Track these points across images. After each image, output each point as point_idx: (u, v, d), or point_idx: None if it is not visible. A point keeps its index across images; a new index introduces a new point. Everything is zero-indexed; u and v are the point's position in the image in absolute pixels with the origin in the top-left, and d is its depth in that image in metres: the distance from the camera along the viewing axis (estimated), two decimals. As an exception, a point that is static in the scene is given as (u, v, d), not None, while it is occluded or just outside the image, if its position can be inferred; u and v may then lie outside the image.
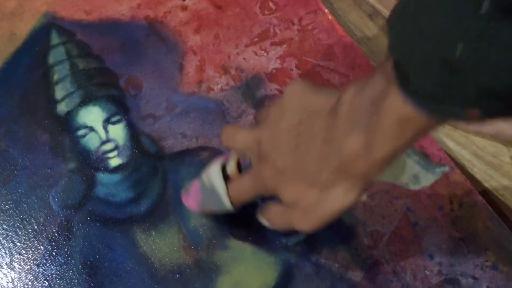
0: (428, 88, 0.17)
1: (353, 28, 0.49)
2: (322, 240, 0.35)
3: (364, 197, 0.26)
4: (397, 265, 0.35)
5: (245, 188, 0.29)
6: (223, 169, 0.30)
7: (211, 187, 0.30)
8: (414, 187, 0.27)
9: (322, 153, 0.24)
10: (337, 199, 0.24)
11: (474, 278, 0.35)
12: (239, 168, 0.31)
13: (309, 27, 0.44)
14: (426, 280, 0.35)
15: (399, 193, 0.38)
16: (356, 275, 0.34)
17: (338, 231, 0.36)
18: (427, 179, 0.26)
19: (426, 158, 0.26)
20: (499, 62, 0.15)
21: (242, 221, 0.36)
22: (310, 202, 0.25)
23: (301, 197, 0.26)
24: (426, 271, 0.35)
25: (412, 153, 0.26)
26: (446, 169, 0.26)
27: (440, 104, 0.17)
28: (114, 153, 0.37)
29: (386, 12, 0.49)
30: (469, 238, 0.36)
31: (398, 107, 0.19)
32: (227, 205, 0.30)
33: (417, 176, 0.26)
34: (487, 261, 0.35)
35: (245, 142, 0.29)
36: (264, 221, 0.30)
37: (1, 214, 0.34)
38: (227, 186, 0.30)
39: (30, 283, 0.32)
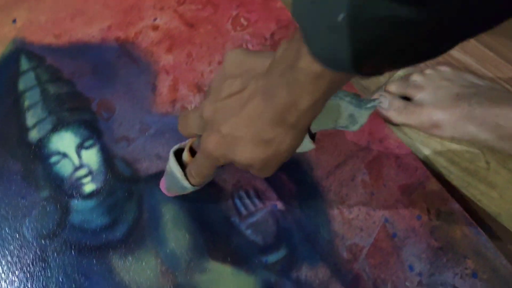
0: (324, 48, 0.20)
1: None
2: (301, 256, 0.35)
3: (312, 146, 0.29)
4: (377, 278, 0.35)
5: (200, 165, 0.30)
6: (181, 158, 0.32)
7: (171, 173, 0.32)
8: (353, 127, 0.29)
9: (260, 110, 0.26)
10: (286, 145, 0.26)
11: (454, 287, 0.35)
12: (193, 154, 0.32)
13: (281, 41, 0.44)
14: (407, 291, 0.35)
15: (377, 205, 0.38)
16: (337, 290, 0.34)
17: (317, 246, 0.36)
18: (362, 115, 0.29)
19: (357, 98, 0.28)
20: (374, 23, 0.18)
21: (220, 242, 0.35)
22: (263, 159, 0.27)
23: (254, 157, 0.27)
24: (406, 283, 0.35)
25: (344, 96, 0.28)
26: (376, 102, 0.28)
27: (336, 62, 0.20)
28: (88, 178, 0.36)
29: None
30: (448, 246, 0.36)
31: (309, 65, 0.22)
32: (187, 185, 0.32)
33: (352, 115, 0.29)
34: (466, 269, 0.35)
35: (196, 122, 0.30)
36: None
37: (-27, 248, 0.33)
38: (184, 170, 0.31)
39: (4, 318, 0.32)
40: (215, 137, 0.27)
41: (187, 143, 0.32)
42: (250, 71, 0.27)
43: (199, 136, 0.30)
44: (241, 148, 0.27)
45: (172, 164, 0.32)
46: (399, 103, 0.43)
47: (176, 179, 0.32)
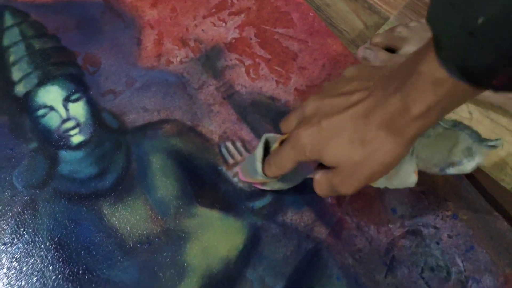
0: (455, 53, 0.19)
1: (312, -4, 0.49)
2: (287, 202, 0.36)
3: (414, 178, 0.28)
4: (360, 220, 0.36)
5: (282, 155, 0.29)
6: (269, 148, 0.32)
7: (253, 154, 0.32)
8: (468, 165, 0.28)
9: (368, 111, 0.25)
10: (385, 152, 0.25)
11: (435, 227, 0.36)
12: None
13: (267, -4, 0.44)
14: (390, 232, 0.36)
15: (361, 152, 0.38)
16: (322, 233, 0.35)
17: (302, 192, 0.36)
18: (481, 152, 0.27)
19: (477, 133, 0.27)
20: None
21: (207, 189, 0.36)
22: (354, 162, 0.26)
23: (344, 156, 0.26)
24: (389, 225, 0.36)
25: (464, 128, 0.27)
26: (499, 142, 0.27)
27: (467, 69, 0.20)
28: (76, 130, 0.37)
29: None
30: (430, 190, 0.37)
31: (432, 70, 0.21)
32: (259, 169, 0.31)
33: (470, 149, 0.27)
34: (447, 210, 0.37)
35: (296, 118, 0.30)
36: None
37: (-36, 197, 0.34)
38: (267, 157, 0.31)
39: (-3, 262, 0.32)
40: (311, 129, 0.27)
41: (281, 136, 0.32)
42: (367, 77, 0.27)
43: None
44: (336, 144, 0.26)
45: (259, 146, 0.32)
46: (385, 55, 0.44)
47: (254, 160, 0.32)
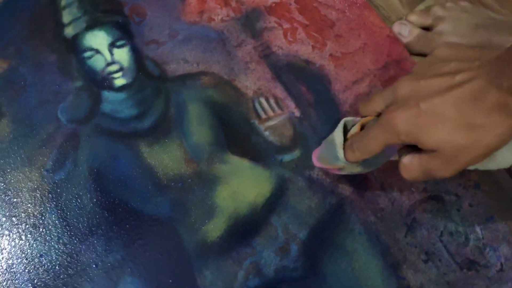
0: None
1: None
2: (315, 158, 0.37)
3: None
4: (384, 182, 0.37)
5: (370, 138, 0.28)
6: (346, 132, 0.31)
7: (331, 140, 0.32)
8: None
9: (477, 93, 0.24)
10: (494, 136, 0.24)
11: (456, 195, 0.37)
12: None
13: (309, -34, 0.46)
14: (412, 196, 0.37)
15: (389, 119, 0.40)
16: (346, 190, 0.37)
17: (331, 150, 0.38)
18: None
19: None
20: None
21: (239, 139, 0.38)
22: (458, 146, 0.25)
23: (447, 140, 0.25)
24: (412, 188, 0.37)
25: None
26: None
27: None
28: (119, 74, 0.39)
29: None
30: (454, 161, 0.38)
31: None
32: (341, 156, 0.31)
33: None
34: (469, 180, 0.38)
35: (382, 100, 0.29)
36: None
37: (13, 124, 0.36)
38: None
39: (39, 186, 0.34)
40: (408, 112, 0.26)
41: (360, 119, 0.31)
42: (467, 57, 0.26)
43: (377, 116, 0.30)
44: (438, 128, 0.25)
45: (337, 131, 0.31)
46: (419, 31, 0.45)
47: (334, 146, 0.31)
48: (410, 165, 0.28)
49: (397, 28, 0.45)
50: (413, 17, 0.46)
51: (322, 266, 0.34)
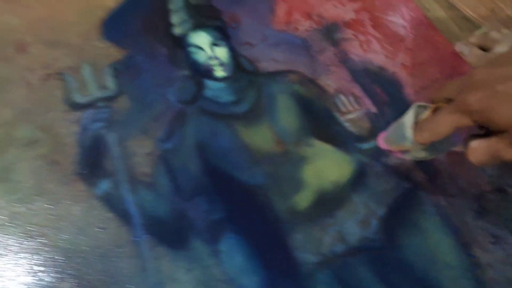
0: None
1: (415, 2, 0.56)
2: (390, 148, 0.42)
3: None
4: (453, 172, 0.41)
5: (441, 120, 0.29)
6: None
7: (401, 122, 0.33)
8: None
9: None
10: None
11: (519, 190, 0.41)
12: None
13: (379, -8, 0.53)
14: (478, 186, 0.41)
15: (455, 121, 0.44)
16: (419, 177, 0.41)
17: (404, 143, 0.42)
18: None
19: None
20: None
21: (323, 127, 0.43)
22: None
23: None
24: (478, 180, 0.41)
25: None
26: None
27: None
28: (219, 67, 0.45)
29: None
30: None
31: None
32: (409, 135, 0.32)
33: None
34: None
35: (456, 85, 0.30)
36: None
37: (130, 101, 0.42)
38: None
39: (152, 151, 0.39)
40: (483, 93, 0.27)
41: (433, 105, 0.32)
42: None
43: (448, 101, 0.31)
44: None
45: (409, 113, 0.32)
46: (478, 51, 0.50)
47: (403, 127, 0.32)
48: (478, 148, 0.30)
49: (459, 47, 0.50)
50: (473, 39, 0.52)
51: (399, 240, 0.38)
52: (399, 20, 0.50)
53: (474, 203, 0.40)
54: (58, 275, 0.34)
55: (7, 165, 0.37)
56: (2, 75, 0.41)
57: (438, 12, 0.55)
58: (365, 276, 0.36)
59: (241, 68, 0.45)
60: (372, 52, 0.48)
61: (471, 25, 0.54)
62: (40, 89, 0.41)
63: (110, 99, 0.41)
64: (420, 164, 0.41)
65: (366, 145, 0.42)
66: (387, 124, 0.42)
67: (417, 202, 0.39)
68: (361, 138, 0.42)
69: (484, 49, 0.51)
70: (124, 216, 0.36)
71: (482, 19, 0.56)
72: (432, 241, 0.38)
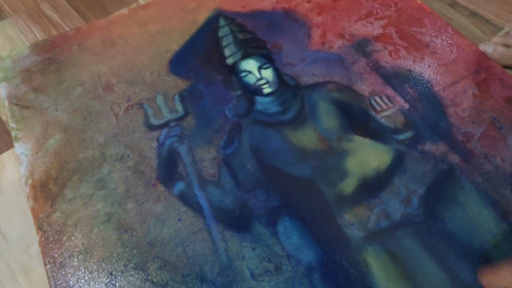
0: None
1: (437, 13, 0.62)
2: (425, 137, 0.47)
3: None
4: (487, 153, 0.45)
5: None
6: None
7: None
8: None
9: None
10: None
11: (556, 162, 0.43)
12: None
13: (403, 8, 0.59)
14: (514, 163, 0.44)
15: (485, 108, 0.48)
16: (455, 159, 0.45)
17: (437, 131, 0.47)
18: None
19: None
20: None
21: (360, 124, 0.48)
22: None
23: None
24: (513, 157, 0.44)
25: None
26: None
27: None
28: (266, 85, 0.53)
29: (463, 3, 0.63)
30: (550, 138, 0.45)
31: None
32: None
33: None
34: None
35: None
36: None
37: (196, 119, 0.50)
38: None
39: (216, 156, 0.47)
40: None
41: None
42: None
43: None
44: None
45: None
46: (502, 48, 0.54)
47: None
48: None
49: (482, 47, 0.55)
50: (496, 39, 0.56)
51: (440, 213, 0.41)
52: (423, 30, 0.56)
53: (510, 178, 0.43)
54: (145, 259, 0.41)
55: (103, 176, 0.46)
56: (95, 109, 0.52)
57: (461, 19, 0.60)
58: (411, 246, 0.40)
59: (285, 84, 0.53)
60: (401, 59, 0.53)
61: (493, 27, 0.59)
62: (125, 117, 0.51)
63: (179, 119, 0.50)
64: (455, 148, 0.45)
65: (402, 136, 0.47)
66: (420, 117, 0.47)
67: (455, 180, 0.43)
68: (396, 131, 0.47)
69: (507, 46, 0.55)
70: (197, 209, 0.43)
71: (504, 22, 0.60)
72: (472, 213, 0.41)
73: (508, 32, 0.56)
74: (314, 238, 0.41)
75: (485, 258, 0.39)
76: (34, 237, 0.46)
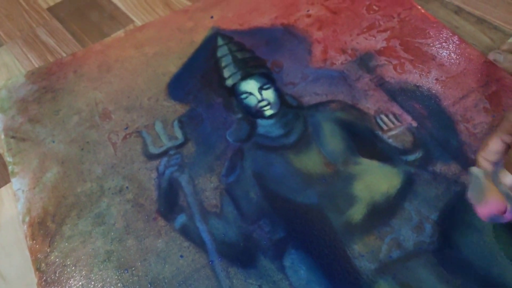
0: None
1: (443, 22, 0.60)
2: (435, 156, 0.44)
3: None
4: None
5: None
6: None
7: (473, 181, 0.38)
8: None
9: None
10: None
11: None
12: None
13: (407, 19, 0.57)
14: (532, 182, 0.41)
15: (498, 122, 0.46)
16: (468, 180, 0.42)
17: (448, 150, 0.45)
18: None
19: None
20: None
21: (367, 146, 0.46)
22: None
23: None
24: (530, 176, 0.41)
25: None
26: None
27: None
28: (268, 107, 0.51)
29: (469, 9, 0.60)
30: None
31: None
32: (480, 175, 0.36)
33: None
34: None
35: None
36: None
37: (196, 145, 0.49)
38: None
39: (218, 185, 0.45)
40: None
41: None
42: None
43: None
44: None
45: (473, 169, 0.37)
46: (513, 56, 0.52)
47: (477, 180, 0.37)
48: None
49: (492, 56, 0.53)
50: (505, 46, 0.54)
51: (455, 240, 0.39)
52: (429, 41, 0.54)
53: (529, 198, 0.40)
54: (150, 299, 0.39)
55: (102, 211, 0.45)
56: (93, 139, 0.50)
57: (467, 27, 0.58)
58: (426, 277, 0.37)
59: (287, 105, 0.51)
60: (407, 73, 0.51)
61: (502, 34, 0.56)
62: (123, 147, 0.49)
63: (179, 146, 0.48)
64: (467, 167, 0.43)
65: (411, 157, 0.45)
66: (429, 135, 0.45)
67: (469, 203, 0.41)
68: (405, 151, 0.45)
69: (519, 53, 0.53)
70: (199, 243, 0.42)
71: (514, 27, 0.57)
72: (490, 238, 0.39)
73: (517, 39, 0.54)
74: (323, 271, 0.39)
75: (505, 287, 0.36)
76: (33, 277, 0.44)
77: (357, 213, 0.42)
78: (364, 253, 0.39)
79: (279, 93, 0.52)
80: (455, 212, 0.40)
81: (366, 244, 0.40)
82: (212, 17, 0.61)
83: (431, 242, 0.39)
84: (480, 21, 0.59)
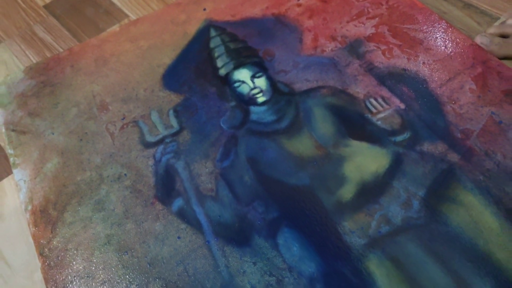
0: None
1: (430, 7, 0.61)
2: (423, 137, 0.46)
3: None
4: (488, 149, 0.44)
5: None
6: None
7: None
8: None
9: None
10: None
11: (559, 155, 0.42)
12: None
13: (395, 5, 0.58)
14: (515, 158, 0.43)
15: (483, 103, 0.47)
16: (454, 157, 0.44)
17: (435, 131, 0.46)
18: None
19: None
20: None
21: (357, 129, 0.48)
22: None
23: None
24: (514, 152, 0.43)
25: None
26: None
27: None
28: (260, 94, 0.52)
29: (457, -6, 0.61)
30: (551, 130, 0.44)
31: None
32: None
33: None
34: None
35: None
36: None
37: (191, 134, 0.50)
38: None
39: (213, 170, 0.47)
40: None
41: None
42: None
43: None
44: None
45: None
46: (499, 39, 0.53)
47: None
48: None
49: (479, 39, 0.54)
50: (492, 30, 0.55)
51: (442, 215, 0.40)
52: (416, 27, 0.55)
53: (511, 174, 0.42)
54: (146, 280, 0.41)
55: (101, 198, 0.46)
56: (91, 130, 0.52)
57: (455, 12, 0.59)
58: (414, 251, 0.39)
59: (279, 92, 0.52)
60: (395, 58, 0.53)
61: (489, 18, 0.58)
62: (120, 136, 0.51)
63: (175, 134, 0.50)
64: (454, 146, 0.44)
65: (399, 137, 0.46)
66: (417, 117, 0.47)
67: (455, 179, 0.42)
68: (394, 132, 0.47)
69: (504, 37, 0.54)
70: (196, 225, 0.43)
71: (500, 11, 0.59)
72: (475, 212, 0.40)
73: (504, 22, 0.55)
74: (315, 248, 0.40)
75: (490, 259, 0.38)
76: (37, 263, 0.46)
77: (347, 192, 0.43)
78: (354, 229, 0.41)
79: (271, 81, 0.53)
80: (442, 189, 0.42)
81: (356, 221, 0.41)
82: (204, 9, 0.63)
83: (419, 218, 0.41)
84: (467, 6, 0.60)
